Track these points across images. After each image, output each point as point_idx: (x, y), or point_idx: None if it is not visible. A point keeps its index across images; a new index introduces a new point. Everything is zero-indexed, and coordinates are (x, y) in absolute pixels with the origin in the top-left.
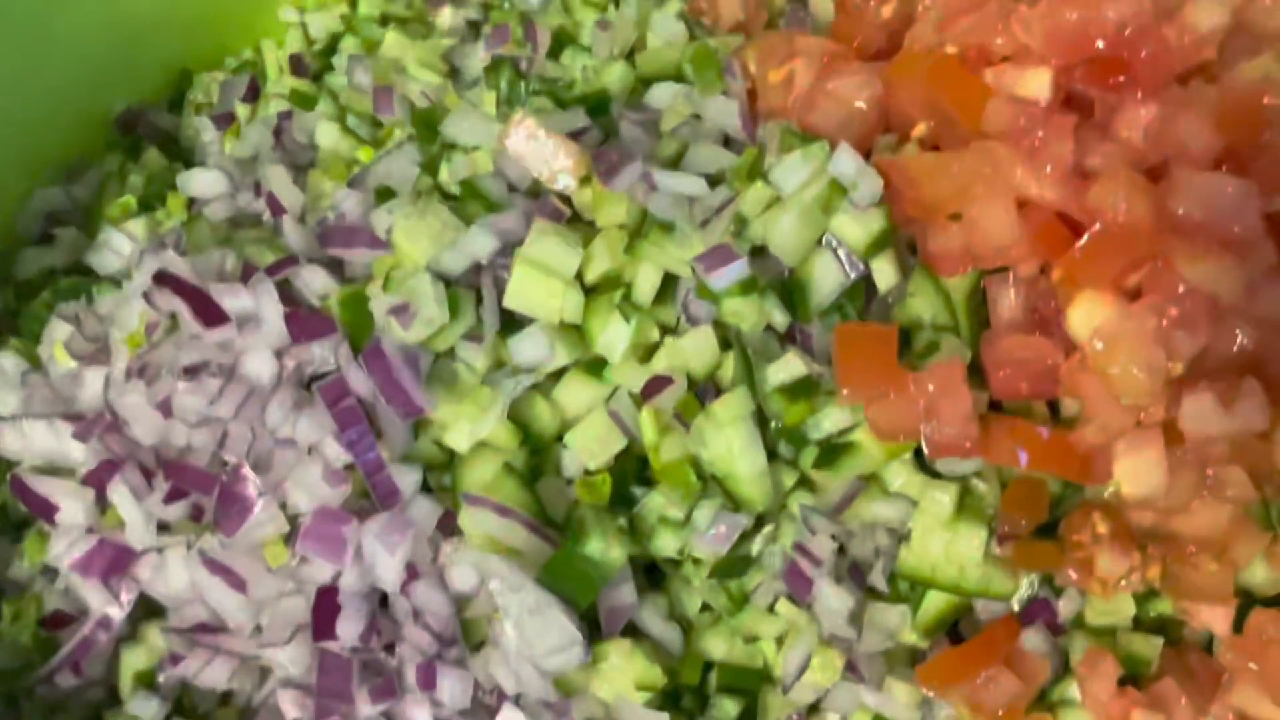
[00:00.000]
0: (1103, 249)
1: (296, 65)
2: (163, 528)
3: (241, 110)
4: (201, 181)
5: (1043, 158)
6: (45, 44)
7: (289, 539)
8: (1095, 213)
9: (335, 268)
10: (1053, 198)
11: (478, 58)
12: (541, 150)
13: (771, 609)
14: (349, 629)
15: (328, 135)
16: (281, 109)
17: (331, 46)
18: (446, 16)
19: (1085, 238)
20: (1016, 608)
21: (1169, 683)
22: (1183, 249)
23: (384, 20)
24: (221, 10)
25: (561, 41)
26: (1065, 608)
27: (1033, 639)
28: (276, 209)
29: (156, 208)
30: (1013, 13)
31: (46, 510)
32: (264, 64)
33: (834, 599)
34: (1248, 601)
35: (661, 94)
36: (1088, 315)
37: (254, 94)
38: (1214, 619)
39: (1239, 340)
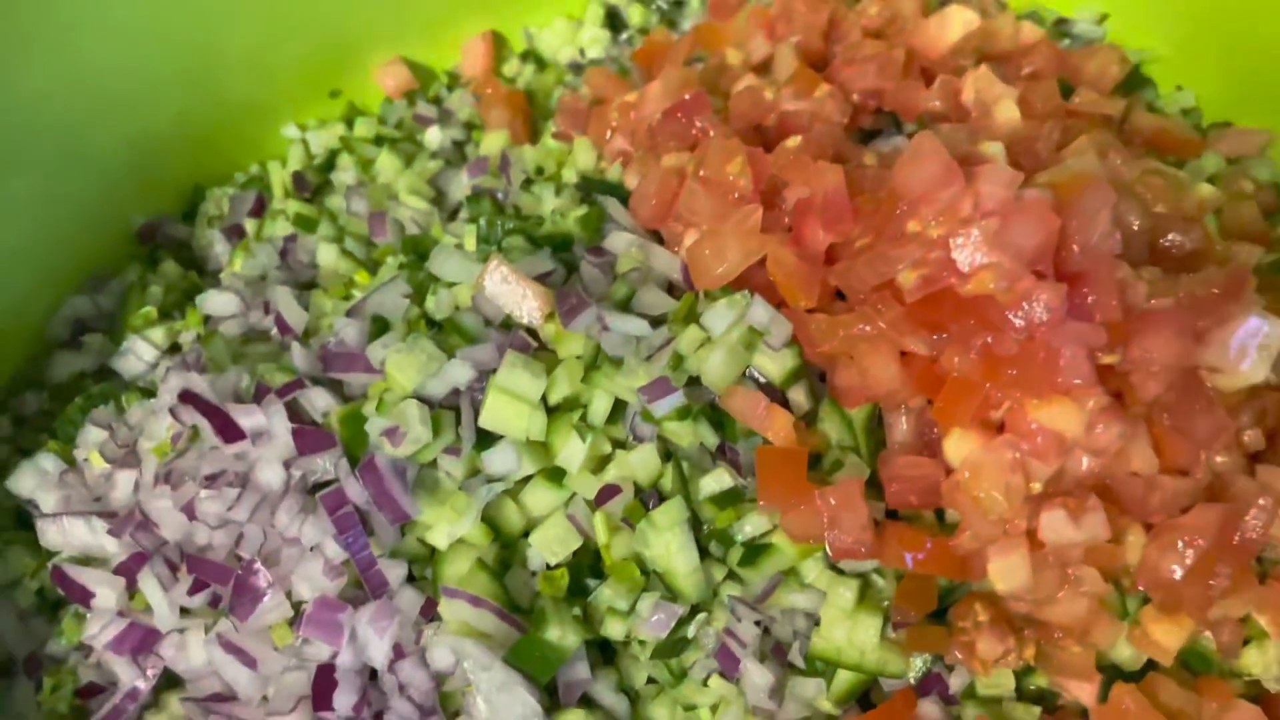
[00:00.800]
0: (957, 396)
1: (299, 182)
2: (184, 612)
3: (250, 225)
4: (217, 302)
5: None
6: (72, 163)
7: (293, 623)
8: (948, 369)
9: (335, 386)
10: (924, 351)
11: (460, 184)
12: (513, 292)
13: (705, 682)
14: (344, 701)
15: (328, 256)
16: (286, 232)
17: (330, 162)
18: (434, 136)
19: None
20: (913, 681)
21: None
22: (1028, 397)
23: (378, 140)
24: (230, 128)
25: (530, 179)
26: (956, 681)
27: (928, 707)
28: (284, 328)
29: (175, 316)
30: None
31: (83, 596)
32: (270, 180)
33: (757, 676)
34: (1115, 675)
35: (617, 241)
36: (957, 447)
37: (260, 208)
38: (1081, 692)
39: (1084, 465)
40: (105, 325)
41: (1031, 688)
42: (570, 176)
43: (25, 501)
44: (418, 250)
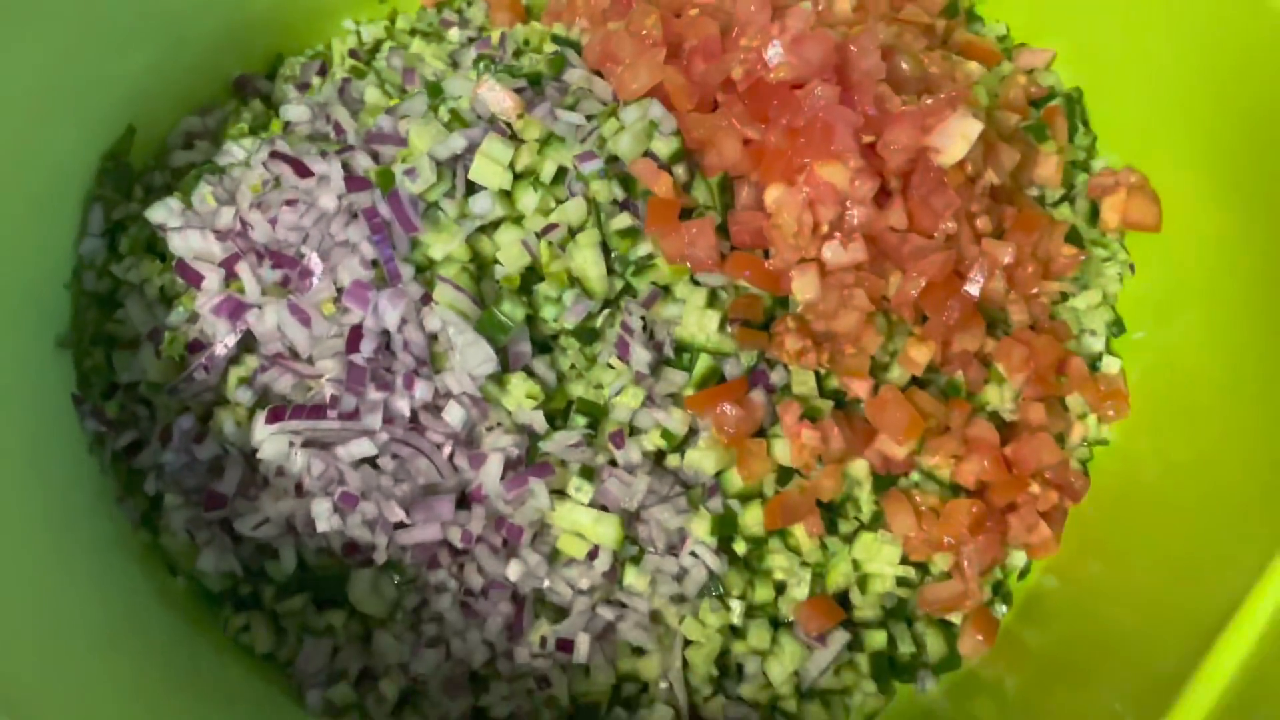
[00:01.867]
0: (771, 161)
1: (353, 54)
2: (264, 293)
3: (316, 81)
4: (295, 110)
5: None
6: (190, 33)
7: (336, 300)
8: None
9: (375, 159)
10: (754, 136)
11: (470, 55)
12: (497, 98)
13: (609, 365)
14: (368, 347)
15: (372, 94)
16: (344, 76)
17: (376, 48)
18: (455, 34)
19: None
20: (744, 372)
21: (829, 421)
22: (814, 159)
23: (412, 32)
24: (305, 19)
25: (520, 50)
26: (776, 377)
27: (756, 393)
28: (339, 132)
29: (260, 134)
30: None
31: (196, 279)
32: (331, 54)
33: (642, 354)
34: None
35: (572, 75)
36: (771, 194)
37: (323, 72)
38: (859, 388)
39: (855, 217)
40: (211, 137)
41: (829, 388)
42: (549, 47)
43: (157, 227)
44: (435, 90)
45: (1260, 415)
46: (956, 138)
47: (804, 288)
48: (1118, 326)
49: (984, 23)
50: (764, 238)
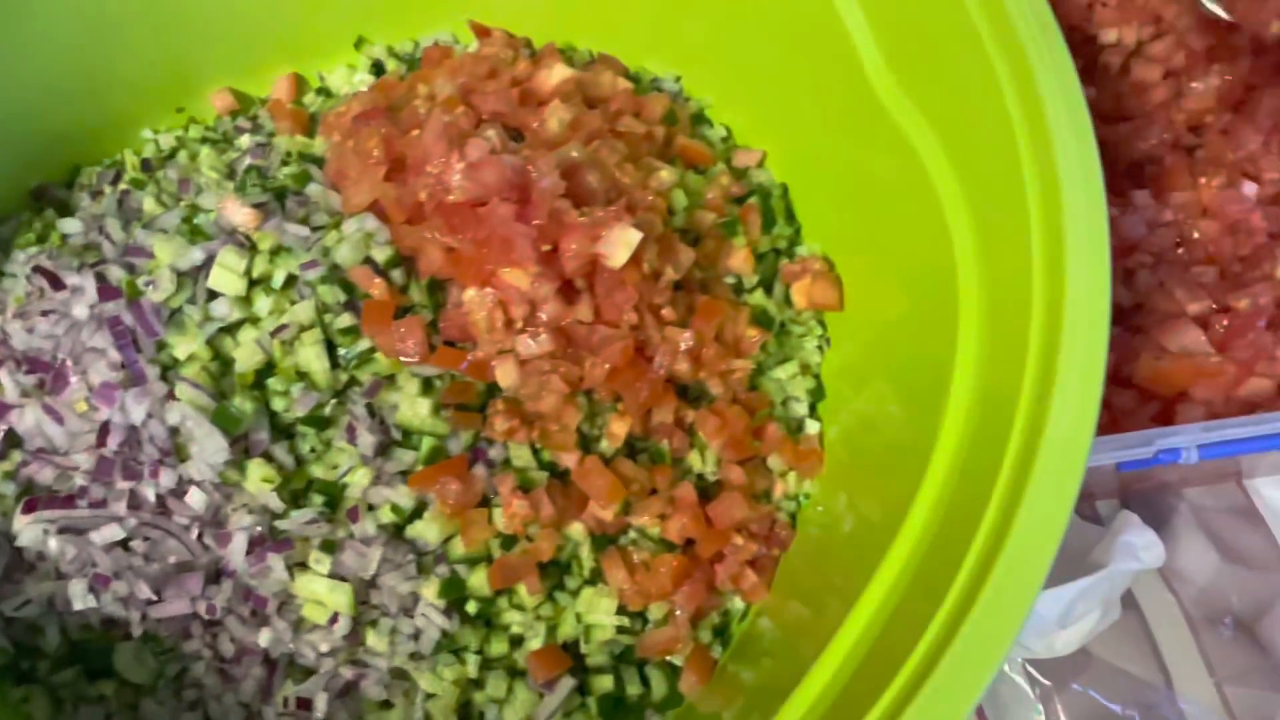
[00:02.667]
0: (466, 267)
1: (144, 165)
2: (24, 394)
3: (108, 190)
4: (70, 224)
5: None
6: None
7: (89, 399)
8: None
9: (131, 270)
10: (453, 245)
11: (244, 165)
12: (236, 212)
13: (341, 448)
14: (114, 440)
15: (149, 204)
16: (124, 187)
17: (172, 155)
18: (246, 139)
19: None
20: (465, 450)
21: (540, 491)
22: (498, 265)
23: (204, 140)
24: (104, 129)
25: (286, 161)
26: (495, 453)
27: (478, 468)
28: (107, 238)
29: (43, 244)
30: None
31: None
32: (125, 163)
33: (368, 439)
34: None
35: (312, 189)
36: (467, 295)
37: (116, 181)
38: (568, 460)
39: (545, 313)
40: (1, 247)
41: (547, 460)
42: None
43: None
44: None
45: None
46: (619, 245)
47: (505, 375)
48: (819, 393)
49: (711, 125)
50: (469, 333)
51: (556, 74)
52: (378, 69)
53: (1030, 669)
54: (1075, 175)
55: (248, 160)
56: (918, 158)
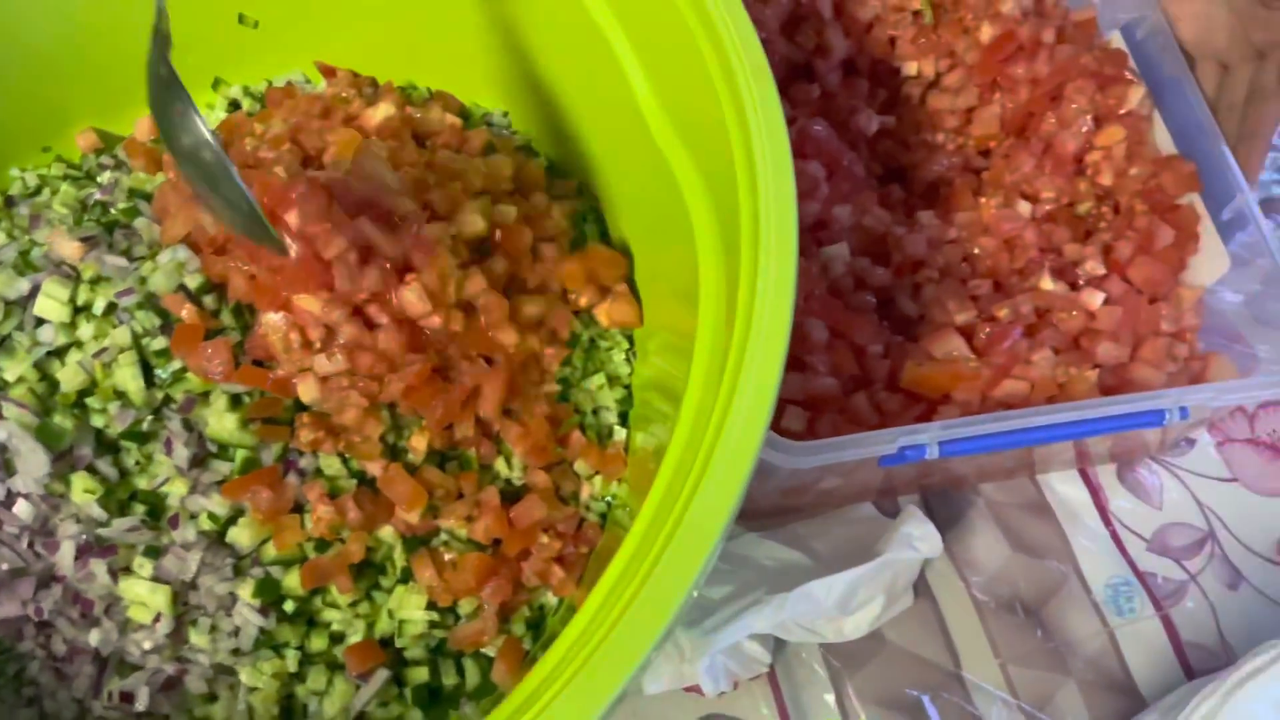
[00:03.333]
0: (263, 292)
1: (8, 202)
2: None
3: None
4: None
5: None
6: None
7: None
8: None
9: None
10: (255, 272)
11: (94, 199)
12: (62, 245)
13: (161, 462)
14: None
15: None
16: None
17: (37, 191)
18: (107, 175)
19: None
20: (275, 460)
21: (346, 497)
22: (294, 292)
23: (65, 176)
24: None
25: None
26: (306, 462)
27: (291, 477)
28: None
29: None
30: None
31: None
32: None
33: (182, 451)
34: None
35: (139, 222)
36: (266, 319)
37: None
38: (374, 468)
39: (345, 335)
40: None
41: (355, 469)
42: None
43: None
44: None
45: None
46: (415, 302)
47: (306, 391)
48: (628, 402)
49: (536, 155)
50: (273, 354)
51: (381, 111)
52: (234, 107)
53: (825, 654)
54: (772, 195)
55: (96, 195)
56: (678, 186)
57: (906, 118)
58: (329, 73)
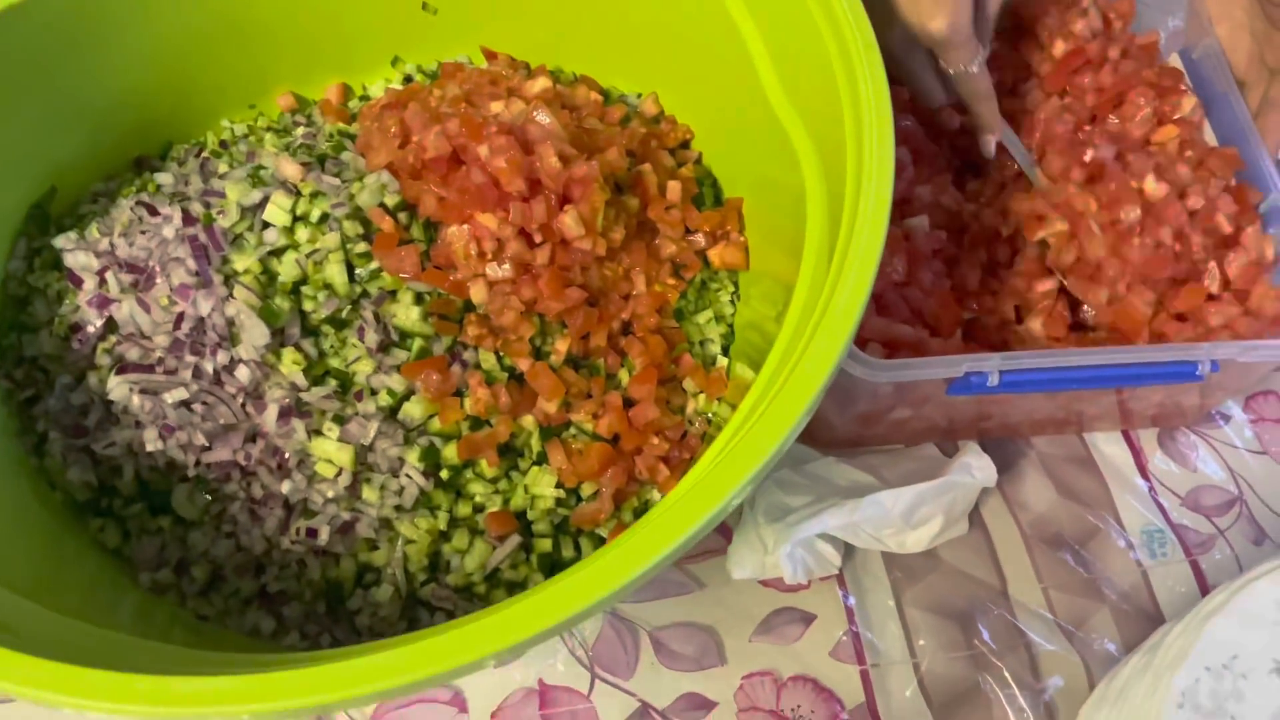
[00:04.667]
0: (449, 209)
1: (222, 144)
2: (123, 292)
3: (191, 161)
4: (163, 176)
5: None
6: (106, 123)
7: (170, 296)
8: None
9: (207, 206)
10: (445, 194)
11: (296, 144)
12: (286, 166)
13: (354, 345)
14: (186, 327)
15: (222, 168)
16: (206, 156)
17: (244, 137)
18: (300, 131)
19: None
20: (445, 351)
21: (499, 385)
22: (474, 211)
23: (268, 129)
24: (192, 117)
25: (328, 140)
26: (469, 356)
27: (455, 366)
28: (189, 186)
29: (141, 193)
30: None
31: (79, 283)
32: (207, 142)
33: (372, 336)
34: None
35: (345, 155)
36: (449, 231)
37: (200, 154)
38: (523, 364)
39: (511, 250)
40: (109, 197)
41: (508, 365)
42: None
43: (60, 251)
44: (255, 168)
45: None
46: (572, 224)
47: (476, 293)
48: (730, 337)
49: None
50: (453, 261)
51: (539, 84)
52: (407, 81)
53: (888, 565)
54: (873, 171)
55: (300, 140)
56: (795, 155)
57: None
58: (491, 56)
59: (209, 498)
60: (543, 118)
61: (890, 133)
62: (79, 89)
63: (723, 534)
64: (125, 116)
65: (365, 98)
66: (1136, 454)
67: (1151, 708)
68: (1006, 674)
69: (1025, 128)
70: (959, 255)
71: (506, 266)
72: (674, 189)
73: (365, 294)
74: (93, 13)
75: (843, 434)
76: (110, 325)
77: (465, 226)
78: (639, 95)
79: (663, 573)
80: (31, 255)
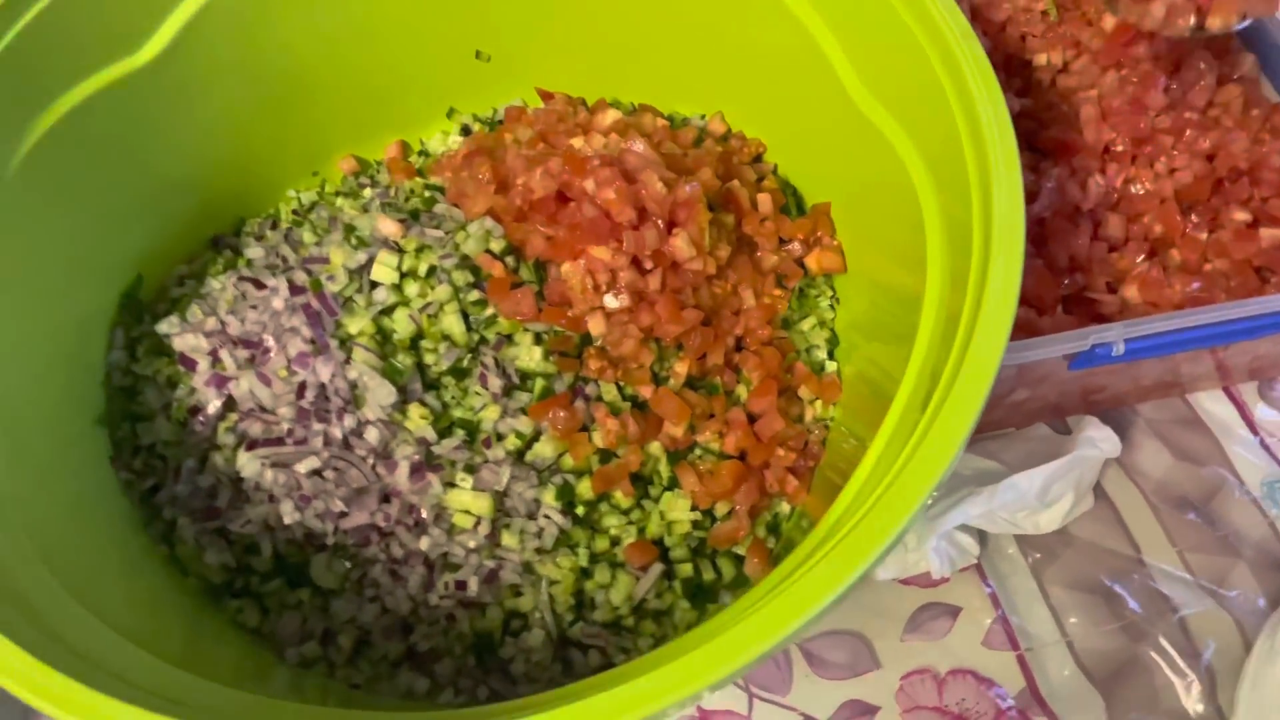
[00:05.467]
0: (559, 248)
1: (295, 213)
2: (239, 369)
3: (269, 234)
4: (253, 251)
5: None
6: (179, 207)
7: (288, 367)
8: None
9: (309, 274)
10: (552, 233)
11: (376, 204)
12: (386, 225)
13: (477, 393)
14: (310, 395)
15: (308, 236)
16: (287, 226)
17: (312, 207)
18: (368, 191)
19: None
20: (567, 388)
21: (626, 414)
22: (587, 245)
23: (337, 194)
24: (259, 191)
25: (408, 196)
26: (591, 390)
27: (579, 402)
28: (285, 261)
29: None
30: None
31: (192, 365)
32: (279, 213)
33: (496, 381)
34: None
35: (439, 207)
36: (564, 268)
37: (274, 227)
38: (645, 391)
39: (624, 280)
40: (196, 278)
41: (628, 394)
42: (425, 192)
43: (163, 336)
44: (350, 226)
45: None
46: (684, 246)
47: (595, 325)
48: (835, 341)
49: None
50: (567, 298)
51: (610, 115)
52: (465, 131)
53: (1023, 548)
54: (1000, 157)
55: (377, 201)
56: (892, 149)
57: (1039, 99)
58: (547, 96)
59: (348, 564)
60: (638, 146)
61: (1010, 130)
62: (157, 170)
63: None
64: (197, 196)
65: (424, 153)
66: (1240, 408)
67: None
68: (1163, 640)
69: (1083, 105)
70: (1043, 234)
71: (623, 296)
72: (764, 201)
73: (484, 340)
74: (170, 88)
75: None
76: (229, 404)
77: (580, 261)
78: (703, 116)
79: None
80: (131, 344)
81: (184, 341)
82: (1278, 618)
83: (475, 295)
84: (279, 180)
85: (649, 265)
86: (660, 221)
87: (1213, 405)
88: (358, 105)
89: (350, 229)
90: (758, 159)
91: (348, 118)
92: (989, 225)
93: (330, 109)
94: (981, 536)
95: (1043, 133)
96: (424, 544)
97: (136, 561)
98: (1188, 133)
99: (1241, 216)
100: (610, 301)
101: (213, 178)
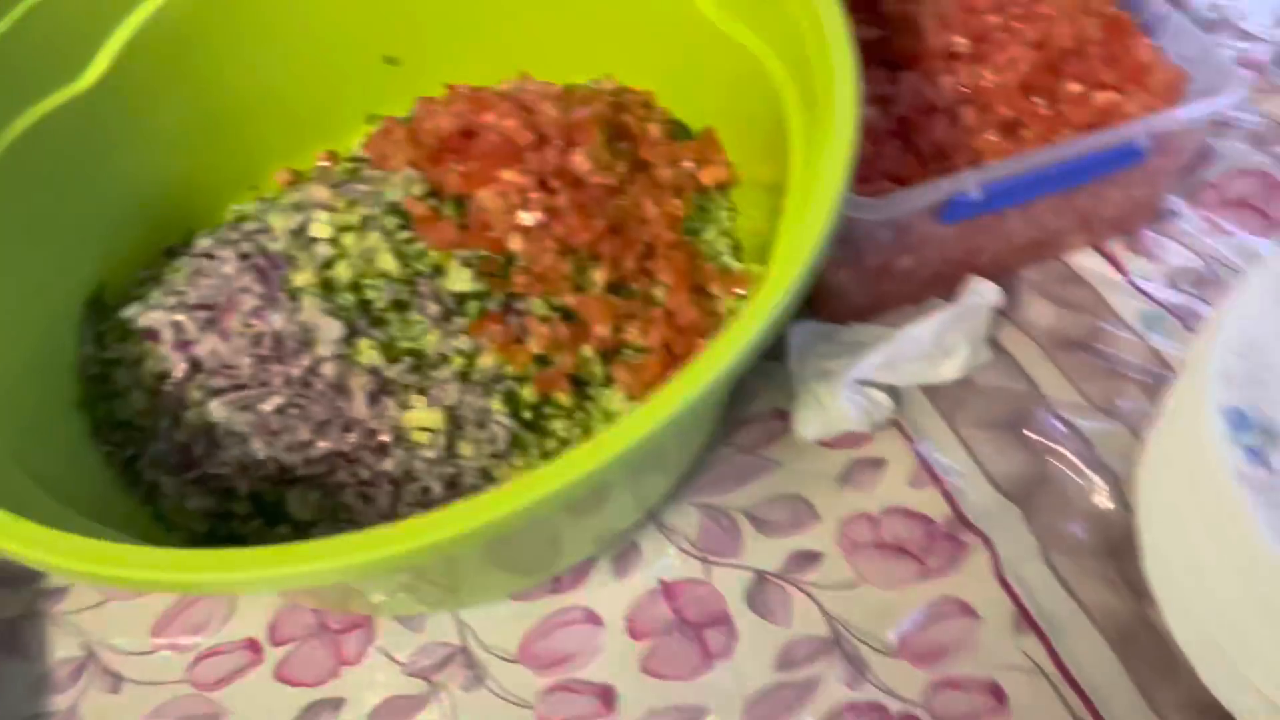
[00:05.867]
0: (472, 178)
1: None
2: (200, 330)
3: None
4: (202, 243)
5: None
6: (133, 225)
7: (244, 321)
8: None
9: (253, 242)
10: (464, 169)
11: None
12: (322, 191)
13: (418, 322)
14: (266, 343)
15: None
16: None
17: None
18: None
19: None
20: (498, 306)
21: (556, 321)
22: (496, 171)
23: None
24: (204, 205)
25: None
26: (523, 305)
27: (511, 316)
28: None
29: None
30: None
31: (155, 337)
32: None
33: (433, 308)
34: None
35: (363, 171)
36: (479, 194)
37: None
38: (570, 300)
39: (531, 195)
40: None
41: (556, 304)
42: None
43: (126, 322)
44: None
45: None
46: (584, 159)
47: (515, 243)
48: (739, 248)
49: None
50: (488, 223)
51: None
52: None
53: (932, 400)
54: (833, 37)
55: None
56: (752, 56)
57: (890, 24)
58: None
59: (320, 494)
60: (533, 85)
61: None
62: (108, 190)
63: (786, 420)
64: (149, 212)
65: (352, 158)
66: (1112, 260)
67: (1197, 415)
68: (1069, 453)
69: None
70: (906, 130)
71: (536, 213)
72: (654, 129)
73: (419, 274)
74: (111, 112)
75: (858, 299)
76: (195, 365)
77: (493, 186)
78: (606, 77)
79: (742, 462)
80: (99, 337)
81: (149, 318)
82: (1164, 420)
83: (405, 235)
84: (222, 196)
85: (555, 184)
86: (560, 142)
87: (1087, 261)
88: (286, 121)
89: (289, 208)
90: (648, 106)
91: (278, 133)
92: (831, 104)
93: (262, 126)
94: (895, 394)
95: (894, 45)
96: (388, 464)
97: (120, 524)
98: (1015, 25)
99: (1075, 88)
100: (525, 218)
101: (161, 195)
